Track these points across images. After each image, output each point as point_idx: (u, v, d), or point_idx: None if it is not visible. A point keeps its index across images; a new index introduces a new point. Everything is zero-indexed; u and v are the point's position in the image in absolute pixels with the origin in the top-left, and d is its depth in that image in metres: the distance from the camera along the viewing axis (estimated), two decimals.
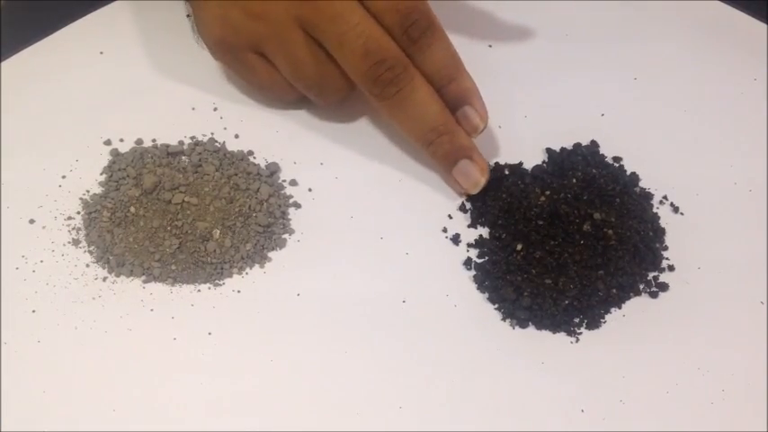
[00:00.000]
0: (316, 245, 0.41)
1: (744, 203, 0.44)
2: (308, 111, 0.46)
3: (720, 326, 0.39)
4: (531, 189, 0.43)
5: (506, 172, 0.44)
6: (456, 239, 0.42)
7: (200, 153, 0.43)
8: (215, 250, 0.40)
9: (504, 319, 0.39)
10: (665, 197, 0.44)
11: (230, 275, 0.40)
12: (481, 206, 0.43)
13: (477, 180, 0.42)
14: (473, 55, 0.44)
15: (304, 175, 0.44)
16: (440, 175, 0.44)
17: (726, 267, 0.41)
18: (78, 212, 0.41)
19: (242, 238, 0.40)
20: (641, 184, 0.44)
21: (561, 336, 0.39)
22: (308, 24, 0.41)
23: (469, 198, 0.43)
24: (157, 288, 0.39)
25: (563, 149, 0.45)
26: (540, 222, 0.41)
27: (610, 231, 0.40)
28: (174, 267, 0.40)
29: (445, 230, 0.42)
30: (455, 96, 0.42)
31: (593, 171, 0.43)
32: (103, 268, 0.40)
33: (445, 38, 0.42)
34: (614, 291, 0.40)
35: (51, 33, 0.49)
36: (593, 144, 0.45)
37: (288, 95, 0.45)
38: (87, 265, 0.40)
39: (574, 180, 0.43)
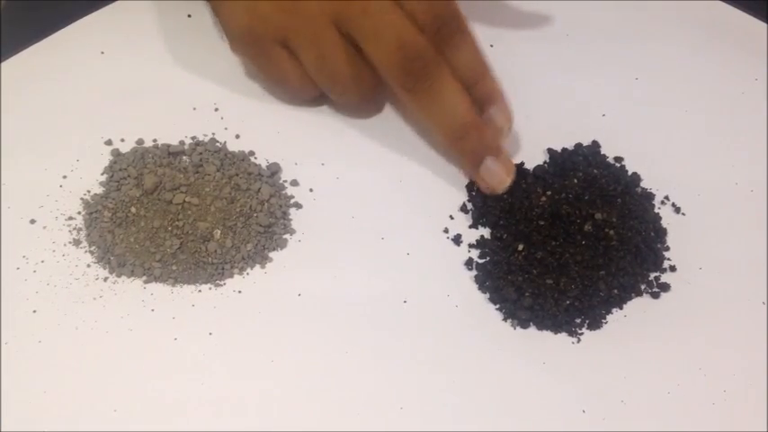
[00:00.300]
0: (317, 245, 0.41)
1: (745, 204, 0.44)
2: (309, 111, 0.46)
3: (722, 326, 0.39)
4: (533, 189, 0.43)
5: None
6: (457, 240, 0.42)
7: (201, 153, 0.43)
8: (216, 250, 0.40)
9: (505, 320, 0.39)
10: (666, 197, 0.44)
11: (231, 276, 0.40)
12: (482, 206, 0.43)
13: (503, 179, 0.42)
14: None
15: (305, 176, 0.44)
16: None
17: (727, 268, 0.41)
18: (79, 212, 0.41)
19: (243, 238, 0.40)
20: (643, 184, 0.44)
21: (562, 336, 0.39)
22: (342, 19, 0.41)
23: (471, 198, 0.43)
24: (158, 288, 0.39)
25: (564, 150, 0.45)
26: (542, 223, 0.41)
27: (611, 232, 0.40)
28: (174, 267, 0.39)
29: (446, 231, 0.42)
30: (481, 97, 0.43)
31: (595, 171, 0.43)
32: (104, 268, 0.40)
33: (474, 40, 0.42)
34: (616, 291, 0.40)
35: (52, 33, 0.49)
36: (595, 144, 0.45)
37: (308, 92, 0.45)
38: (88, 266, 0.40)
39: (575, 180, 0.43)
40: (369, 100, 0.45)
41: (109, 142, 0.44)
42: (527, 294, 0.39)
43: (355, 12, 0.41)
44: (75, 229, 0.41)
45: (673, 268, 0.41)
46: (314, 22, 0.42)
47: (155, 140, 0.44)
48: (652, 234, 0.42)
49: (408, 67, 0.41)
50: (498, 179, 0.42)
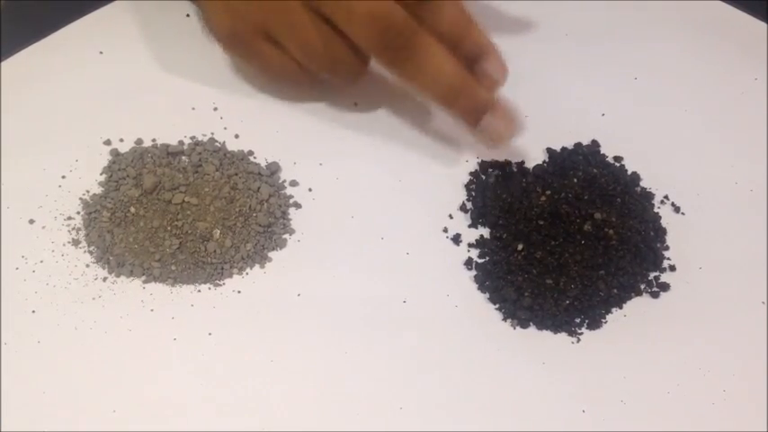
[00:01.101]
0: (316, 245, 0.41)
1: (745, 203, 0.44)
2: (308, 111, 0.46)
3: (721, 326, 0.39)
4: (532, 189, 0.43)
5: (507, 170, 0.44)
6: (457, 239, 0.42)
7: (200, 153, 0.43)
8: (215, 250, 0.40)
9: (504, 320, 0.39)
10: (665, 197, 0.44)
11: (230, 276, 0.40)
12: (482, 206, 0.43)
13: (503, 132, 0.42)
14: None
15: (304, 175, 0.44)
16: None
17: (727, 267, 0.41)
18: (78, 212, 0.41)
19: (242, 238, 0.40)
20: (642, 183, 0.44)
21: (562, 336, 0.39)
22: (315, 2, 0.41)
23: (470, 198, 0.43)
24: (157, 288, 0.39)
25: (564, 149, 0.45)
26: (541, 222, 0.41)
27: (611, 231, 0.40)
28: (174, 267, 0.39)
29: (446, 230, 0.42)
30: (471, 52, 0.42)
31: (594, 171, 0.43)
32: (103, 268, 0.40)
33: None
34: (615, 291, 0.40)
35: (51, 33, 0.49)
36: (594, 144, 0.45)
37: (302, 79, 0.45)
38: (87, 266, 0.40)
39: (575, 180, 0.43)
40: (363, 75, 0.44)
41: (108, 142, 0.44)
42: (527, 294, 0.39)
43: None
44: (74, 229, 0.41)
45: (672, 268, 0.41)
46: (289, 11, 0.41)
47: (154, 140, 0.44)
48: (651, 234, 0.42)
49: (386, 42, 0.40)
50: (498, 133, 0.42)
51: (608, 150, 0.45)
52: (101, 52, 0.48)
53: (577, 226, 0.41)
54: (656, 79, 0.49)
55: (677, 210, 0.43)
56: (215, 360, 0.37)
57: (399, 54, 0.40)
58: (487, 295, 0.40)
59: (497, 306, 0.40)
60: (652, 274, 0.41)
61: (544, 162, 0.45)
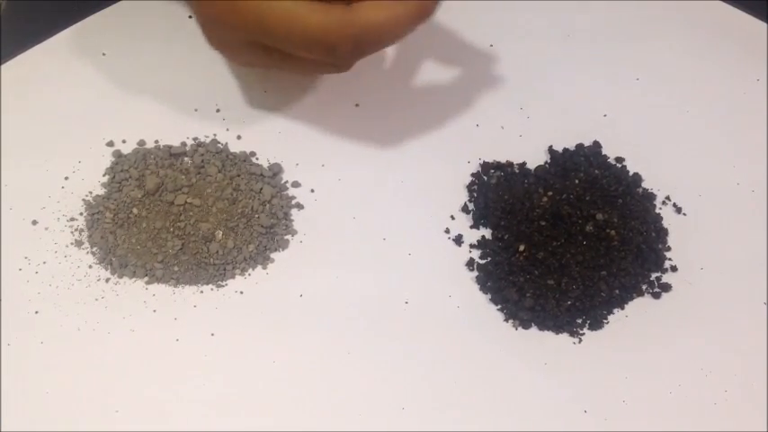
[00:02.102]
0: (318, 246, 0.41)
1: (746, 204, 0.44)
2: (310, 112, 0.46)
3: (723, 327, 0.39)
4: (534, 190, 0.43)
5: (509, 171, 0.44)
6: (458, 240, 0.42)
7: (202, 154, 0.43)
8: (217, 251, 0.40)
9: (506, 320, 0.39)
10: (667, 198, 0.44)
11: (233, 276, 0.40)
12: (483, 207, 0.43)
13: None
14: (475, 55, 0.44)
15: (306, 177, 0.44)
16: None
17: (728, 268, 0.41)
18: (81, 214, 0.41)
19: (244, 239, 0.41)
20: (644, 184, 0.44)
21: (564, 336, 0.39)
22: (259, 38, 0.39)
23: (472, 199, 0.43)
24: (160, 289, 0.39)
25: (566, 150, 0.45)
26: (543, 223, 0.41)
27: (612, 232, 0.40)
28: (176, 268, 0.40)
29: (448, 231, 0.42)
30: None
31: (596, 172, 0.43)
32: (106, 269, 0.40)
33: None
34: (617, 291, 0.40)
35: (54, 35, 0.49)
36: (596, 145, 0.45)
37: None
38: (90, 267, 0.40)
39: (576, 181, 0.43)
40: (352, 59, 0.40)
41: (110, 143, 0.44)
42: (528, 295, 0.39)
43: (257, 31, 0.38)
44: (76, 230, 0.41)
45: (674, 268, 0.41)
46: (253, 52, 0.41)
47: (156, 141, 0.44)
48: (653, 234, 0.42)
49: (337, 64, 0.39)
50: None
51: (610, 151, 0.45)
52: (104, 54, 0.48)
53: (579, 227, 0.41)
54: (657, 80, 0.49)
55: (679, 210, 0.43)
56: (217, 360, 0.37)
57: (357, 51, 0.38)
58: (489, 296, 0.40)
59: (499, 307, 0.40)
60: (653, 275, 0.41)
61: (546, 163, 0.45)
